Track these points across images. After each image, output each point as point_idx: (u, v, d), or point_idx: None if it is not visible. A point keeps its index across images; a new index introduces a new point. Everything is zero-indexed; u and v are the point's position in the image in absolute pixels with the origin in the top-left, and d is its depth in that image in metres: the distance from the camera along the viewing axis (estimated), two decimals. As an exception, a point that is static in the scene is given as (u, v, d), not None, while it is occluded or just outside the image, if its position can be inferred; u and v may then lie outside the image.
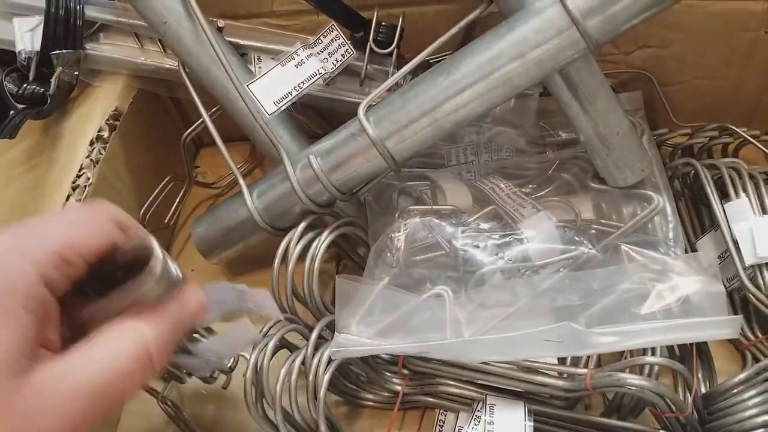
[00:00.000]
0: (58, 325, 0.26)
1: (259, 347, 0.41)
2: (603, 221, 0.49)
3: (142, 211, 0.56)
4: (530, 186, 0.53)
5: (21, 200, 0.50)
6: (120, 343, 0.26)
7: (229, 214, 0.52)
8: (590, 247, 0.46)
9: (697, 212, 0.56)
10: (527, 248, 0.46)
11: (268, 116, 0.47)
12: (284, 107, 0.47)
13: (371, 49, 0.51)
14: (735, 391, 0.43)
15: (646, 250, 0.47)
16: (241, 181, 0.49)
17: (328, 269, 0.57)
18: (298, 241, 0.46)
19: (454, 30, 0.45)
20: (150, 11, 0.48)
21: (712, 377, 0.48)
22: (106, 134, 0.52)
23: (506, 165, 0.55)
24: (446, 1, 0.53)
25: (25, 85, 0.52)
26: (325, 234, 0.47)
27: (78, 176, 0.49)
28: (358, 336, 0.42)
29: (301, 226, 0.47)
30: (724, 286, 0.47)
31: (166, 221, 0.62)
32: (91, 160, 0.50)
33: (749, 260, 0.46)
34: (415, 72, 0.48)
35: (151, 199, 0.57)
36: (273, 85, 0.47)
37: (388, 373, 0.48)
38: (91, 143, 0.51)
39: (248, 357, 0.41)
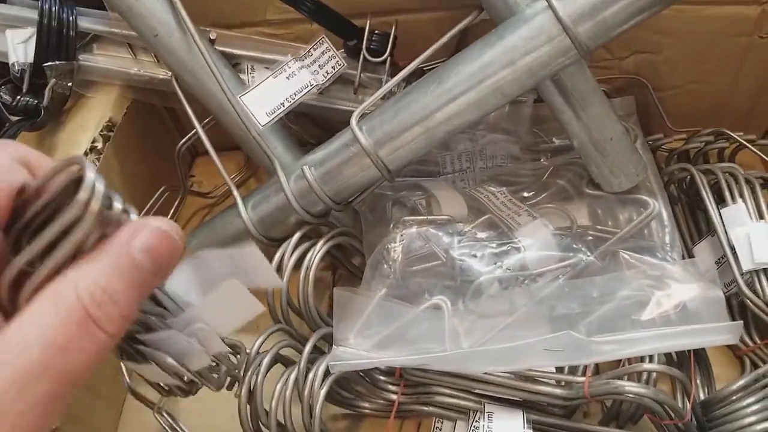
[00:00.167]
0: None
1: (253, 366, 0.40)
2: (599, 227, 0.49)
3: (136, 222, 0.56)
4: (525, 193, 0.52)
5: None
6: (47, 308, 0.20)
7: (224, 226, 0.52)
8: (588, 254, 0.46)
9: (694, 217, 0.55)
10: (525, 257, 0.46)
11: (261, 127, 0.47)
12: (277, 118, 0.47)
13: (365, 57, 0.51)
14: (734, 398, 0.43)
15: (643, 256, 0.46)
16: (236, 193, 0.49)
17: (324, 277, 0.57)
18: (293, 252, 0.46)
19: (444, 39, 0.45)
20: (141, 24, 0.47)
21: (710, 383, 0.48)
22: (100, 145, 0.52)
23: (501, 172, 0.54)
24: (438, 8, 0.53)
25: (18, 97, 0.51)
26: (319, 244, 0.47)
27: (72, 188, 0.49)
28: (356, 349, 0.42)
29: (296, 236, 0.47)
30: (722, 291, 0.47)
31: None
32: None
33: (746, 266, 0.46)
34: (409, 80, 0.47)
35: (146, 209, 0.57)
36: (265, 97, 0.47)
37: (383, 382, 0.47)
38: (85, 154, 0.51)
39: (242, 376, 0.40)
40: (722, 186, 0.49)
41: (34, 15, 0.50)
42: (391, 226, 0.48)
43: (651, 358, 0.43)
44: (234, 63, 0.53)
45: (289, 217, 0.48)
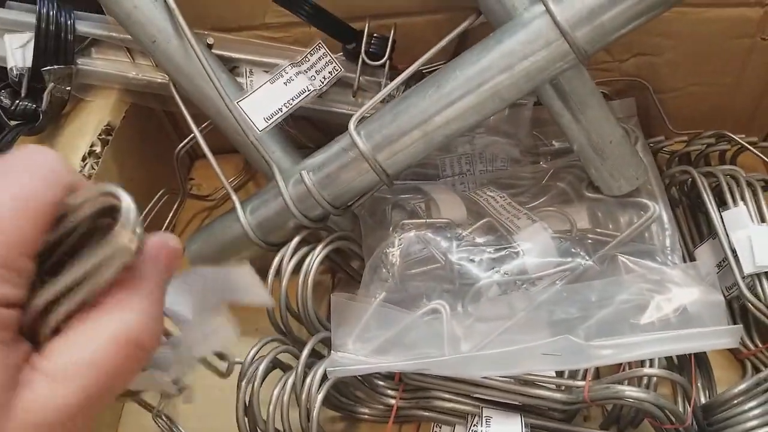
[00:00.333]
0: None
1: (249, 371, 0.40)
2: (599, 230, 0.49)
3: (136, 225, 0.56)
4: (525, 196, 0.52)
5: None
6: (99, 339, 0.21)
7: (223, 231, 0.51)
8: (587, 258, 0.46)
9: (695, 220, 0.55)
10: (523, 261, 0.46)
11: (259, 132, 0.47)
12: (275, 123, 0.47)
13: (363, 60, 0.50)
14: (735, 402, 0.42)
15: (643, 260, 0.46)
16: (234, 197, 0.49)
17: (323, 281, 0.57)
18: (292, 256, 0.46)
19: (443, 42, 0.44)
20: (139, 30, 0.47)
21: (711, 387, 0.48)
22: (98, 149, 0.52)
23: (501, 175, 0.54)
24: (437, 12, 0.53)
25: (17, 102, 0.51)
26: (318, 249, 0.46)
27: (71, 192, 0.49)
28: (355, 354, 0.42)
29: (295, 241, 0.47)
30: (723, 295, 0.46)
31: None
32: (84, 175, 0.50)
33: (748, 269, 0.46)
34: (408, 83, 0.47)
35: (144, 212, 0.57)
36: (263, 102, 0.46)
37: (382, 387, 0.47)
38: (84, 158, 0.51)
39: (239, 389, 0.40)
40: (723, 188, 0.49)
41: (32, 19, 0.50)
42: (391, 229, 0.48)
43: (651, 362, 0.42)
44: (232, 66, 0.53)
45: (288, 222, 0.48)
